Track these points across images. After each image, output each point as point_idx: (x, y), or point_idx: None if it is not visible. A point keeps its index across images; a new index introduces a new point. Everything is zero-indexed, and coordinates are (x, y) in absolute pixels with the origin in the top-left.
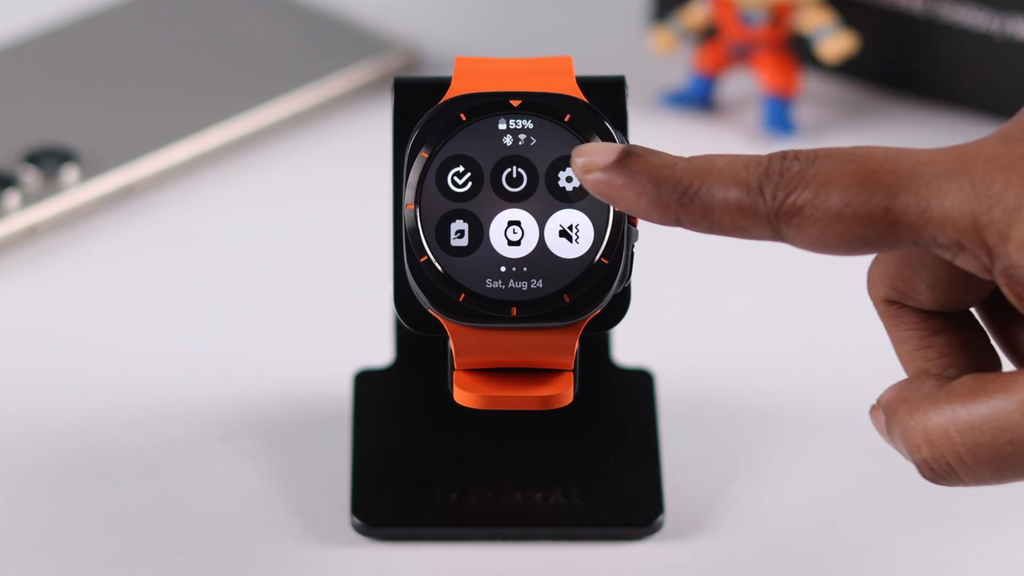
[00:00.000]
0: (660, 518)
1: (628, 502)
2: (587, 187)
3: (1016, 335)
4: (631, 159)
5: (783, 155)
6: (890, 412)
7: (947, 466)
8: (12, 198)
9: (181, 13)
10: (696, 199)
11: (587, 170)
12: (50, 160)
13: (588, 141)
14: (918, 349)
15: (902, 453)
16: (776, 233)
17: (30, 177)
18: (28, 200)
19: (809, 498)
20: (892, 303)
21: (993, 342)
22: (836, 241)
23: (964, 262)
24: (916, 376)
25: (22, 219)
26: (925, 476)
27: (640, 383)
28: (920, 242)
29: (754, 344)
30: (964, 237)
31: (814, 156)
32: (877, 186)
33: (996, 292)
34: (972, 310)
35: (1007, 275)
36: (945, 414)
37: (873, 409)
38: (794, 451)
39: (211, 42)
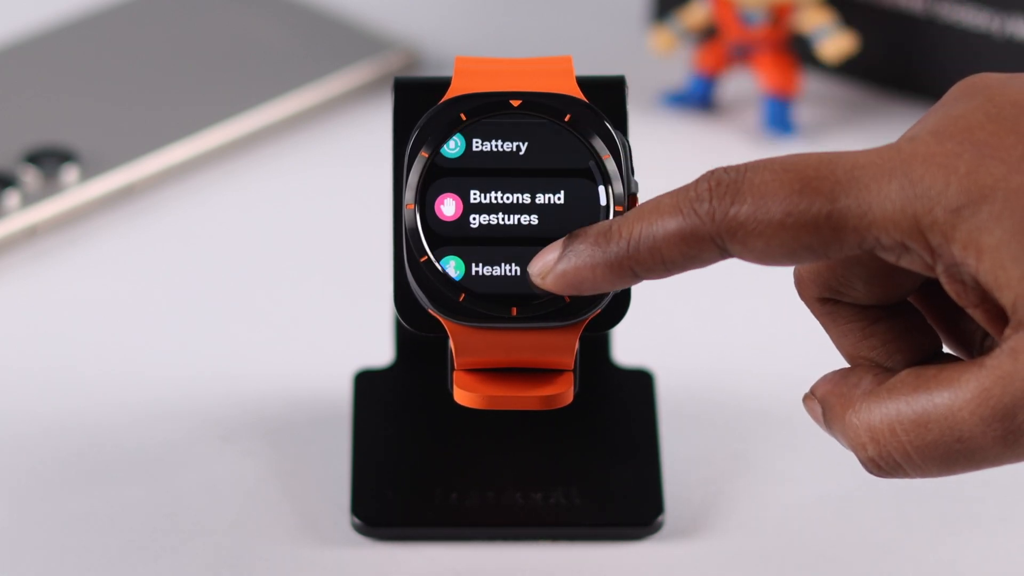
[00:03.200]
0: (660, 518)
1: (628, 502)
2: (554, 290)
3: (955, 319)
4: (572, 240)
5: (711, 173)
6: (828, 406)
7: (894, 462)
8: (12, 198)
9: (181, 13)
10: (641, 244)
11: (543, 275)
12: (50, 160)
13: (589, 141)
14: (860, 340)
15: (843, 444)
16: (724, 251)
17: (30, 177)
18: (28, 200)
19: (809, 498)
20: (827, 301)
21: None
22: (781, 251)
23: (908, 262)
24: (853, 369)
25: (22, 219)
26: (870, 471)
27: (640, 383)
28: (864, 245)
29: (755, 344)
30: (908, 238)
31: (744, 168)
32: (816, 192)
33: (932, 281)
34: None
35: (949, 274)
36: (889, 411)
37: (807, 398)
38: (795, 451)
39: (211, 42)
